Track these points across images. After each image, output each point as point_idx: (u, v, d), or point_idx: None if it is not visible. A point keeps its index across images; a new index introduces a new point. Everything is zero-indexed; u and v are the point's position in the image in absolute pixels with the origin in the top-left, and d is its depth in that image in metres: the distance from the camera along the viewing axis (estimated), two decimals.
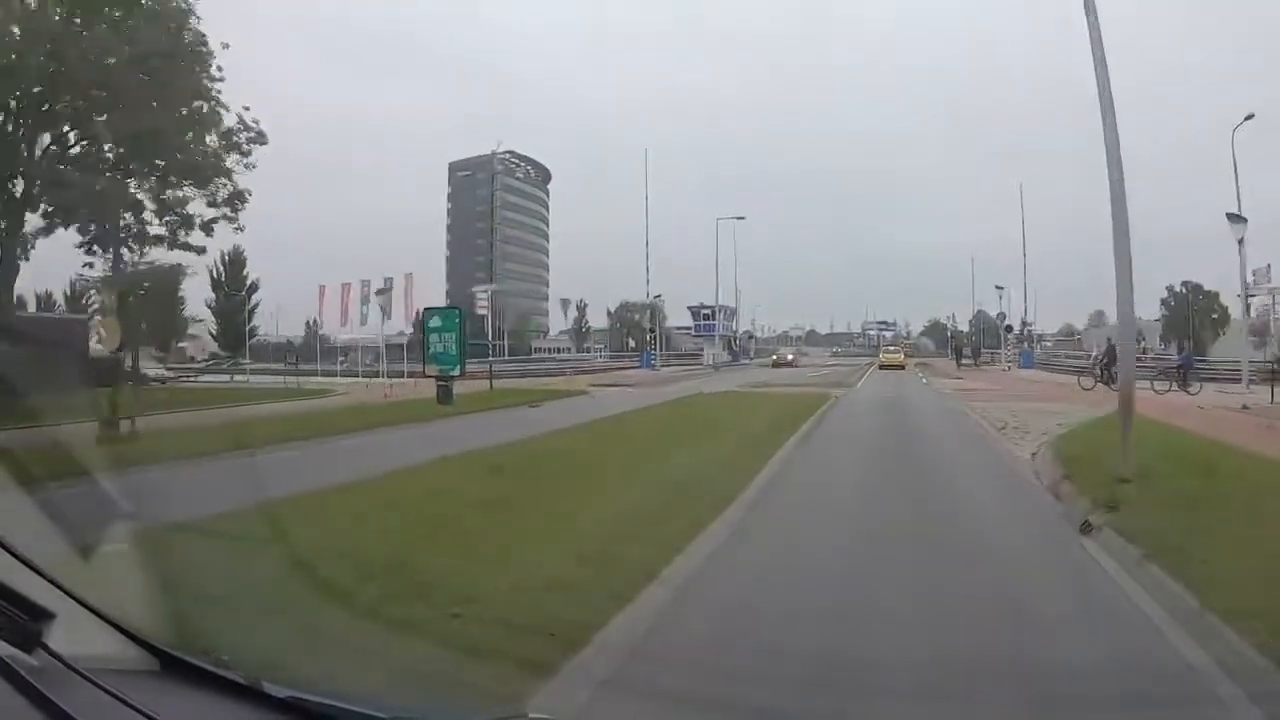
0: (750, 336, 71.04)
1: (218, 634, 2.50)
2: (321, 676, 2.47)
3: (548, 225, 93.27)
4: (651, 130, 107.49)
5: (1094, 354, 27.13)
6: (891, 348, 53.03)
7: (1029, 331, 47.55)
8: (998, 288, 46.03)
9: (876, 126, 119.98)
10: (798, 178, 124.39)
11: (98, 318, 24.56)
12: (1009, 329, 44.80)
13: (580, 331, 71.12)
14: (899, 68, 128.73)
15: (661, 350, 49.60)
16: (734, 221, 49.40)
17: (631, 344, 60.21)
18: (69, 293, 41.58)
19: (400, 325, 31.28)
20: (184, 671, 1.50)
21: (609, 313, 72.41)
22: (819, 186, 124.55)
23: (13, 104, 16.09)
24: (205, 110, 17.60)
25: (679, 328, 68.46)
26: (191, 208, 18.15)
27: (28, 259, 17.59)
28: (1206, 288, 66.29)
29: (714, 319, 59.15)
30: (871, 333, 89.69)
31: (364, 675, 2.86)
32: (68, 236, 17.75)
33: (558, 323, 77.06)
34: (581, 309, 71.68)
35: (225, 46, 17.54)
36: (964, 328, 71.00)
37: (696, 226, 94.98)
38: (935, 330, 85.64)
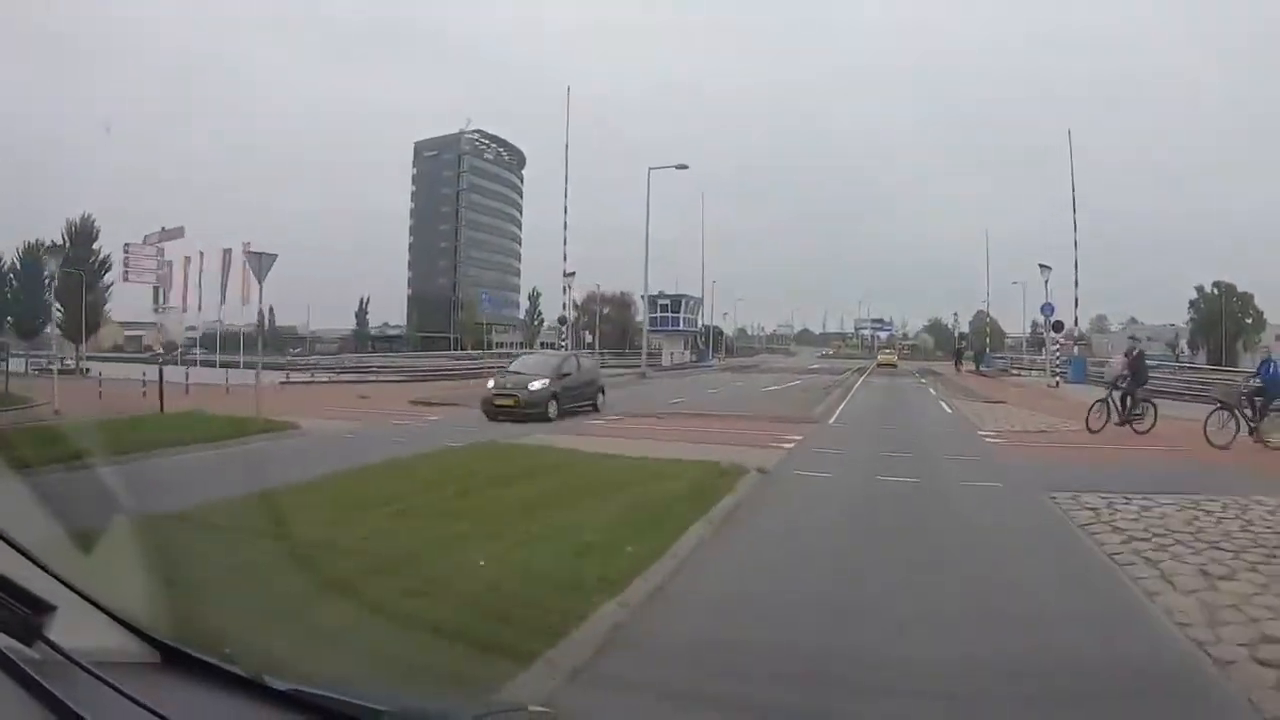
0: (721, 333, 63.28)
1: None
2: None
3: (521, 212, 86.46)
4: (648, 127, 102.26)
5: (1113, 368, 16.63)
6: (886, 349, 61.48)
7: (1040, 334, 37.59)
8: (1042, 266, 31.78)
9: (875, 124, 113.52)
10: (794, 175, 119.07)
11: None
12: (1058, 326, 31.51)
13: (533, 325, 63.88)
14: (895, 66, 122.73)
15: (627, 348, 42.77)
16: (708, 205, 42.38)
17: (588, 338, 52.86)
18: None
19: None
20: (185, 664, 1.48)
21: (575, 304, 65.19)
22: (817, 184, 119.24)
23: None
24: None
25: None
26: None
27: None
28: (1240, 289, 59.91)
29: (672, 310, 49.18)
30: (865, 332, 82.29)
31: None
32: None
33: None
34: (534, 299, 64.52)
35: None
36: (964, 328, 64.45)
37: (691, 222, 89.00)
38: (935, 330, 78.86)
